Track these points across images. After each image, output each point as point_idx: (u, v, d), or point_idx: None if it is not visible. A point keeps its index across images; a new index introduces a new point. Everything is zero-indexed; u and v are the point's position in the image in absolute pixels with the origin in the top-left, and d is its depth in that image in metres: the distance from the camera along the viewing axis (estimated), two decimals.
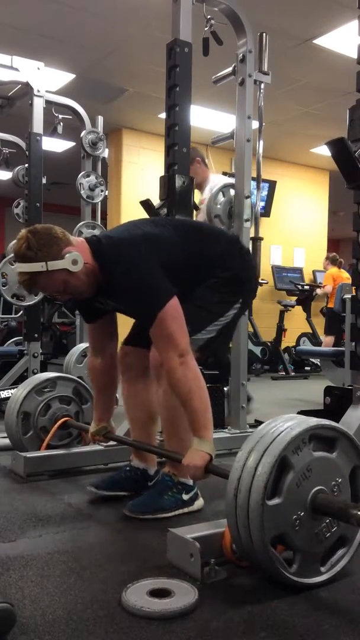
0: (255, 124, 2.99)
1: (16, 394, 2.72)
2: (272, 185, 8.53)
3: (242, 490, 1.37)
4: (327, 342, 6.67)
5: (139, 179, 7.58)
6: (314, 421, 1.44)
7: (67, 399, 2.76)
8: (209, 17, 2.80)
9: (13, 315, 5.64)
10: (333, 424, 1.48)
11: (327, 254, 7.89)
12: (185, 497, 2.03)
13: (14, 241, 1.96)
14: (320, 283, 8.35)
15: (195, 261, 2.05)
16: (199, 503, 2.08)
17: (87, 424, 2.51)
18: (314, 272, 9.21)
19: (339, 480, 1.47)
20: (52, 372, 2.99)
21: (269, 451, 1.36)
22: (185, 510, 2.03)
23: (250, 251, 2.21)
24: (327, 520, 1.44)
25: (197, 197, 3.38)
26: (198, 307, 2.04)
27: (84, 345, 4.04)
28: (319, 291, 7.70)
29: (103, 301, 2.10)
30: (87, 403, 2.84)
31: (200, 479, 1.85)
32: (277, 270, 8.73)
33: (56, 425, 2.64)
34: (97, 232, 4.22)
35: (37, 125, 4.21)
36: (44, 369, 4.60)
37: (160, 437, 2.29)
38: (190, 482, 2.05)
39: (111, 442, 2.61)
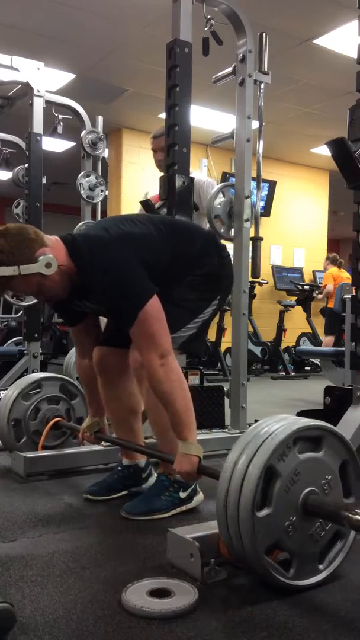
0: (255, 124, 2.99)
1: (3, 401, 2.70)
2: (272, 185, 8.53)
3: (231, 502, 1.36)
4: (327, 342, 6.67)
5: (139, 179, 7.58)
6: (296, 424, 1.41)
7: (56, 398, 2.74)
8: (209, 17, 2.80)
9: (13, 315, 5.64)
10: (316, 422, 1.46)
11: (327, 254, 7.89)
12: (182, 495, 2.03)
13: None
14: (319, 283, 8.35)
15: (174, 259, 2.02)
16: (198, 498, 2.08)
17: (80, 418, 2.49)
18: (314, 272, 9.22)
19: (329, 478, 1.46)
20: (36, 374, 2.97)
21: (254, 462, 1.35)
22: (184, 508, 2.03)
23: (226, 247, 2.20)
24: (321, 520, 1.44)
25: None
26: (178, 306, 2.02)
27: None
28: (320, 296, 7.66)
29: (80, 303, 2.07)
30: (77, 398, 2.82)
31: (194, 481, 1.85)
32: (277, 270, 8.74)
33: (46, 429, 2.63)
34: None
35: (37, 125, 4.21)
36: (43, 369, 4.60)
37: (154, 440, 2.29)
38: None
39: None
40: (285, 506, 1.37)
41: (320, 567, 1.47)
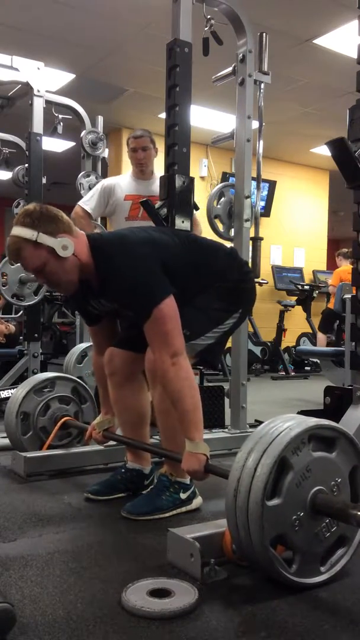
0: (255, 124, 2.99)
1: (15, 394, 2.72)
2: (272, 185, 8.53)
3: (242, 491, 1.37)
4: (320, 339, 6.67)
5: None
6: (313, 421, 1.44)
7: (67, 399, 2.75)
8: (209, 17, 2.80)
9: (13, 315, 5.63)
10: (332, 424, 1.48)
11: (340, 250, 7.67)
12: (183, 495, 2.04)
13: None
14: (320, 283, 8.34)
15: (195, 271, 2.05)
16: (197, 501, 2.08)
17: (87, 424, 2.50)
18: (314, 272, 9.21)
19: (339, 480, 1.47)
20: (51, 372, 2.98)
21: (268, 452, 1.36)
22: (184, 509, 2.03)
23: (249, 263, 2.22)
24: (327, 520, 1.44)
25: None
26: (199, 312, 2.04)
27: (84, 345, 4.04)
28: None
29: (95, 303, 2.09)
30: (86, 402, 2.84)
31: (202, 479, 1.86)
32: (277, 270, 8.73)
33: (57, 426, 2.64)
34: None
35: (37, 125, 4.21)
36: (43, 369, 4.60)
37: (158, 437, 2.29)
38: (187, 480, 2.06)
39: (111, 442, 2.62)
40: (295, 500, 1.38)
41: (322, 569, 1.48)
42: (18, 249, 1.89)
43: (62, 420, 2.65)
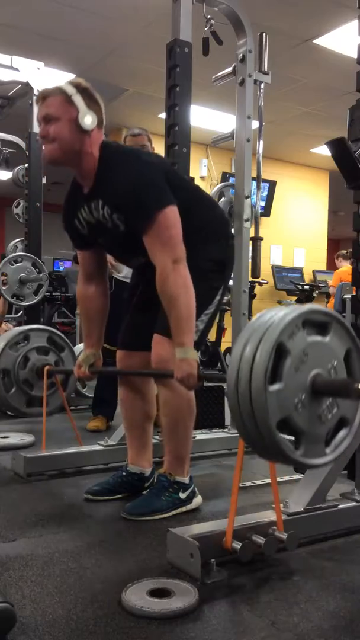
0: (255, 124, 2.99)
1: None
2: (272, 185, 8.53)
3: (243, 380, 1.36)
4: None
5: None
6: (305, 307, 1.45)
7: (44, 348, 2.73)
8: (209, 17, 2.80)
9: (13, 315, 5.64)
10: (324, 308, 1.49)
11: (339, 251, 7.66)
12: (182, 495, 2.03)
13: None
14: (320, 283, 8.34)
15: (192, 213, 2.00)
16: (197, 500, 2.08)
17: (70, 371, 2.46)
18: (314, 272, 9.21)
19: (335, 363, 1.47)
20: (23, 326, 2.95)
21: (264, 339, 1.36)
22: (183, 509, 2.03)
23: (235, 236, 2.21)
24: (328, 402, 1.45)
25: None
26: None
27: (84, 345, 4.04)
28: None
29: (84, 215, 2.04)
30: (64, 351, 2.80)
31: (194, 387, 1.85)
32: (277, 270, 8.73)
33: (45, 377, 2.57)
34: None
35: (37, 125, 4.21)
36: None
37: (160, 438, 2.29)
38: (187, 480, 2.05)
39: (111, 442, 2.63)
40: (295, 384, 1.38)
41: (327, 450, 1.47)
42: (49, 93, 1.94)
43: (45, 369, 2.62)
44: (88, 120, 1.90)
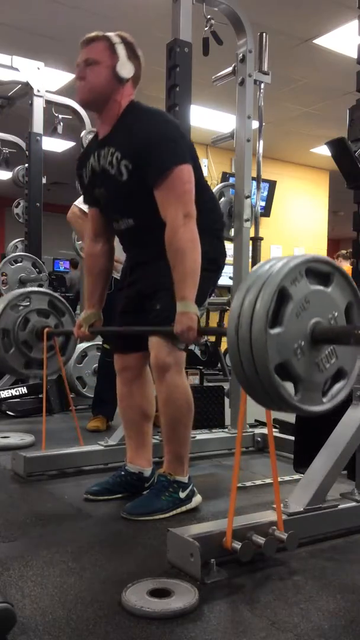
0: (255, 124, 2.99)
1: None
2: (272, 185, 8.53)
3: (244, 323, 1.36)
4: None
5: None
6: (310, 255, 1.45)
7: (45, 311, 2.72)
8: (209, 17, 2.80)
9: None
10: (328, 258, 1.49)
11: (339, 251, 7.66)
12: (182, 495, 2.03)
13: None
14: None
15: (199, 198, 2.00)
16: (197, 499, 2.08)
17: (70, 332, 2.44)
18: None
19: (335, 314, 1.47)
20: (25, 288, 2.93)
21: (267, 283, 1.36)
22: (183, 508, 2.03)
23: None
24: (327, 352, 1.45)
25: None
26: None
27: (84, 345, 4.04)
28: None
29: (94, 164, 2.06)
30: (64, 315, 2.80)
31: (194, 340, 1.85)
32: None
33: (44, 340, 2.57)
34: None
35: (37, 125, 4.22)
36: None
37: (158, 437, 2.29)
38: (186, 479, 2.05)
39: (111, 442, 2.63)
40: (296, 329, 1.38)
41: (324, 399, 1.47)
42: (96, 38, 2.00)
43: (45, 331, 2.61)
44: (125, 70, 2.01)
